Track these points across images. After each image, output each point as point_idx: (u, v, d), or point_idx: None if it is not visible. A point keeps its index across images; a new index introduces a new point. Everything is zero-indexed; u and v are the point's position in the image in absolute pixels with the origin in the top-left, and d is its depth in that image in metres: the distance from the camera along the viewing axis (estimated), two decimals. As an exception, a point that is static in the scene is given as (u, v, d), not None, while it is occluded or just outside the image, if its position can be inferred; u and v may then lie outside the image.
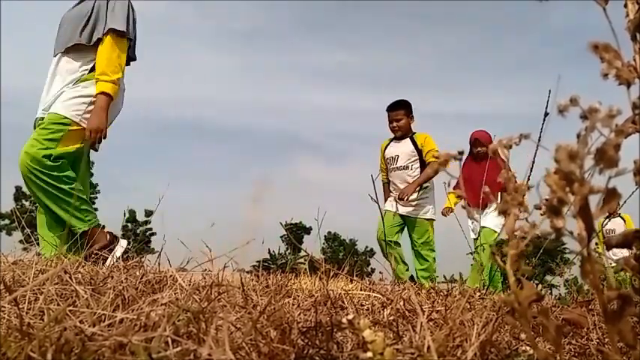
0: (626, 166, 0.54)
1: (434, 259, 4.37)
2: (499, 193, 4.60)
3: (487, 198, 4.83)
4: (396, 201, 4.43)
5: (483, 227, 4.34)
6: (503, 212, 0.62)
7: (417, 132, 4.49)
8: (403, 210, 4.41)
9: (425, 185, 4.42)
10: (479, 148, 4.61)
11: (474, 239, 4.29)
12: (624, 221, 5.75)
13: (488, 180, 5.19)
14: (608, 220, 5.32)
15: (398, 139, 4.49)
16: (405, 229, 4.51)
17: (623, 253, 0.63)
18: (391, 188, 4.53)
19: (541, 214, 0.59)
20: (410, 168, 4.39)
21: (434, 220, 4.47)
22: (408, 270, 4.36)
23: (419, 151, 4.39)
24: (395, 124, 4.44)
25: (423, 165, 4.37)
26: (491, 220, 4.44)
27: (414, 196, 4.37)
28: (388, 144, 4.56)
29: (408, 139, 4.45)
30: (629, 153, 0.56)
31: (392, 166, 4.48)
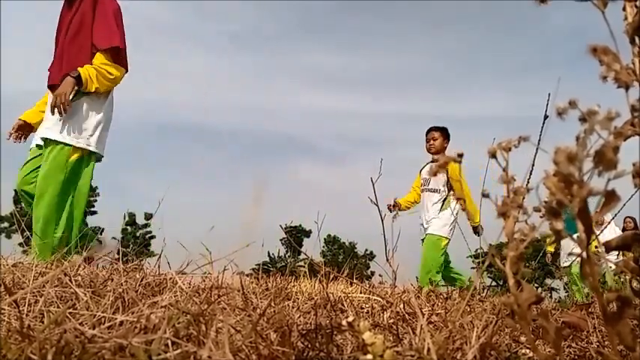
0: (625, 168, 0.54)
1: None
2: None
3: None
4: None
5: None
6: (502, 214, 0.62)
7: None
8: None
9: None
10: None
11: None
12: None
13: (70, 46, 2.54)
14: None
15: None
16: None
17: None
18: None
19: (540, 217, 0.60)
20: None
21: None
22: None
23: None
24: None
25: None
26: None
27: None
28: None
29: None
30: (628, 155, 0.56)
31: None
